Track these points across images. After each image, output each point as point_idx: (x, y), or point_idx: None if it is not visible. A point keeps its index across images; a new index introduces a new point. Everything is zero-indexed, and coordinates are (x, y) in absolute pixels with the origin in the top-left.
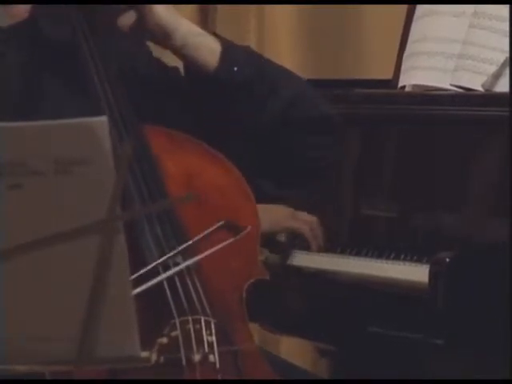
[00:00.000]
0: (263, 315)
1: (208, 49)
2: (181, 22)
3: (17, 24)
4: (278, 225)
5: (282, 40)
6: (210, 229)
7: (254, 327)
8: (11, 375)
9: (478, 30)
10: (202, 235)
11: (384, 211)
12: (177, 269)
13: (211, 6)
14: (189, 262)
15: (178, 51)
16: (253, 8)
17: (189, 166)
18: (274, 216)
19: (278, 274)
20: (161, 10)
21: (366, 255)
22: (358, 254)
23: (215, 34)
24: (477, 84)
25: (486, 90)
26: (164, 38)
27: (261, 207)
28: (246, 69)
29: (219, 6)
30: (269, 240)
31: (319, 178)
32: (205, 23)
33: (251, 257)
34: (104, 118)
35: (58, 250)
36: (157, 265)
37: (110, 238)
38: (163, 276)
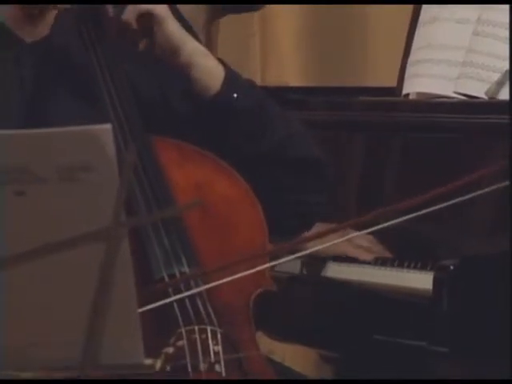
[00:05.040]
0: (267, 323)
1: (212, 72)
2: (188, 40)
3: (39, 40)
4: (334, 248)
5: (286, 46)
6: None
7: (259, 335)
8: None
9: (482, 38)
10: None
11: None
12: (188, 293)
13: None
14: (200, 289)
15: (183, 69)
16: (256, 16)
17: (197, 177)
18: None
19: (283, 282)
20: (171, 25)
21: (369, 263)
22: (362, 261)
23: (220, 60)
24: (480, 92)
25: (490, 98)
26: (171, 53)
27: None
28: (245, 98)
29: None
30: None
31: (307, 225)
32: (208, 32)
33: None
34: (108, 126)
35: (61, 257)
36: (164, 276)
37: (115, 245)
38: (173, 298)
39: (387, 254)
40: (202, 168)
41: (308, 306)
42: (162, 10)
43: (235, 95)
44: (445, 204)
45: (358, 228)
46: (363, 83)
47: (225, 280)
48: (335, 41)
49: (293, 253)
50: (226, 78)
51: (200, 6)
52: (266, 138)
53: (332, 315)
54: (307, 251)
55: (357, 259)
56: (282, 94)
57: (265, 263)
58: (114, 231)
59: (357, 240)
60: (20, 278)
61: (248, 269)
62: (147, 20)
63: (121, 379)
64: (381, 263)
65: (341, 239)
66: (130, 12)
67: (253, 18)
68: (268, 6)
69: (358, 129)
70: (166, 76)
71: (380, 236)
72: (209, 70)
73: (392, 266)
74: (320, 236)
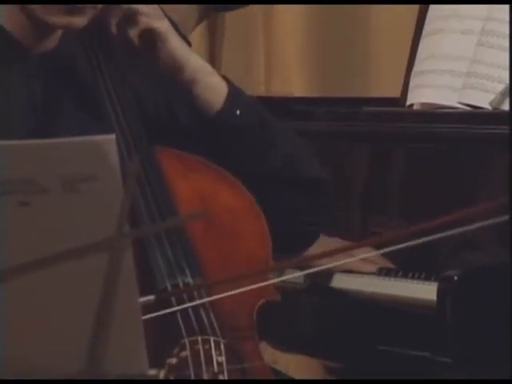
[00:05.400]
0: (272, 333)
1: (215, 89)
2: (191, 56)
3: (47, 52)
4: (339, 265)
5: (291, 58)
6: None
7: (263, 345)
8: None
9: (486, 48)
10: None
11: (392, 229)
12: (191, 304)
13: (219, 25)
14: (203, 301)
15: (187, 86)
16: (261, 27)
17: (201, 188)
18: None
19: (287, 293)
20: (175, 41)
21: (373, 273)
22: (366, 272)
23: (223, 76)
24: (485, 102)
25: (494, 108)
26: (175, 69)
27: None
28: (249, 115)
29: (227, 25)
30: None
31: (307, 243)
32: (212, 42)
33: (262, 280)
34: (112, 136)
35: (65, 268)
36: (167, 286)
37: (118, 256)
38: (176, 308)
39: (390, 265)
40: (206, 178)
41: (312, 316)
42: (165, 26)
43: (238, 112)
44: (445, 234)
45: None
46: (367, 94)
47: (228, 293)
48: (339, 51)
49: (297, 268)
50: (229, 94)
51: (193, 5)
52: (269, 155)
53: (336, 325)
54: (311, 270)
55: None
56: (286, 104)
57: (268, 276)
58: (118, 242)
59: (359, 253)
60: (23, 289)
61: (252, 281)
62: (150, 36)
63: (121, 379)
64: (385, 274)
65: (348, 260)
66: (133, 29)
67: (258, 30)
68: (273, 17)
69: (362, 139)
70: (171, 89)
71: (385, 246)
72: (212, 86)
73: (396, 276)
74: (326, 255)
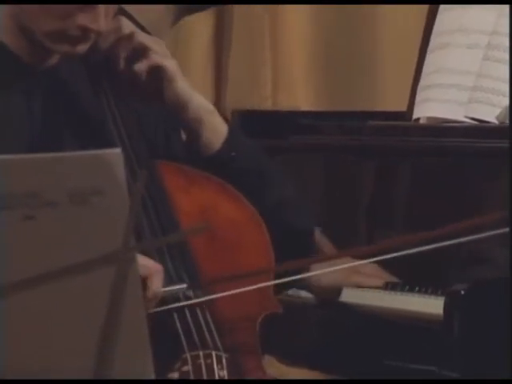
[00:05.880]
0: (278, 348)
1: (217, 129)
2: (195, 95)
3: (44, 70)
4: (343, 280)
5: (297, 73)
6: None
7: (269, 360)
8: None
9: (492, 63)
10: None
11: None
12: (185, 302)
13: (226, 39)
14: (200, 300)
15: (191, 124)
16: (268, 41)
17: (203, 201)
18: (338, 273)
19: (294, 307)
20: (181, 82)
21: (380, 288)
22: (372, 286)
23: (224, 117)
24: (491, 116)
25: (501, 123)
26: (179, 108)
27: None
28: (244, 158)
29: (234, 39)
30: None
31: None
32: (219, 57)
33: (264, 291)
34: (118, 150)
35: (72, 281)
36: (167, 299)
37: (124, 269)
38: (171, 306)
39: (396, 280)
40: (207, 191)
41: (319, 330)
42: (173, 65)
43: (233, 154)
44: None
45: (364, 257)
46: (373, 108)
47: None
48: (346, 65)
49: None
50: (228, 136)
51: (169, 6)
52: (259, 201)
53: (343, 340)
54: (311, 273)
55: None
56: (292, 118)
57: (270, 285)
58: (124, 255)
59: (365, 269)
60: (30, 303)
61: (253, 291)
62: (158, 73)
63: (121, 379)
64: (391, 288)
65: (346, 265)
66: (142, 64)
67: (264, 44)
68: (280, 32)
69: (368, 153)
70: (169, 122)
71: (391, 260)
72: (214, 127)
73: (402, 290)
74: (323, 260)
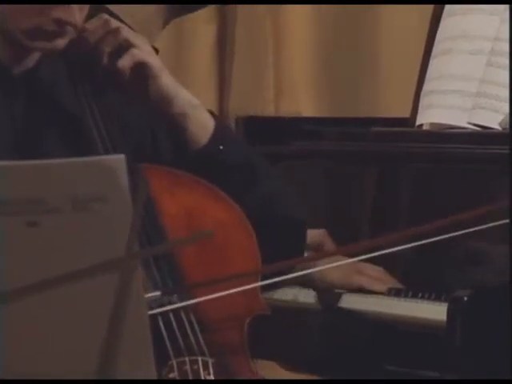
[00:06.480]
0: (280, 353)
1: (203, 125)
2: (181, 91)
3: (25, 71)
4: (345, 280)
5: (299, 77)
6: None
7: (272, 365)
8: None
9: (495, 69)
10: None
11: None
12: (171, 307)
13: (229, 42)
14: (184, 304)
15: (176, 119)
16: (271, 46)
17: (189, 203)
18: (342, 271)
19: (296, 313)
20: (165, 78)
21: (383, 293)
22: (375, 292)
23: (211, 112)
24: (494, 122)
25: (504, 129)
26: (164, 104)
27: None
28: (232, 152)
29: (237, 42)
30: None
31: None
32: (222, 62)
33: (252, 292)
34: (121, 156)
35: (75, 288)
36: (152, 305)
37: (128, 275)
38: (156, 311)
39: (399, 286)
40: (192, 193)
41: (322, 336)
42: (157, 62)
43: (221, 147)
44: (445, 236)
45: (357, 254)
46: (376, 114)
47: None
48: (348, 71)
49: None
50: (215, 130)
51: (160, 7)
52: (248, 195)
53: (345, 345)
54: (302, 272)
55: (370, 290)
56: (295, 124)
57: (257, 289)
58: (127, 261)
59: (369, 271)
60: (34, 309)
61: (239, 292)
62: (142, 70)
63: (121, 379)
64: (394, 294)
65: (350, 260)
66: (126, 60)
67: (268, 50)
68: (283, 37)
69: (371, 159)
70: (155, 119)
71: (394, 266)
72: (200, 121)
73: (406, 296)
74: (312, 259)
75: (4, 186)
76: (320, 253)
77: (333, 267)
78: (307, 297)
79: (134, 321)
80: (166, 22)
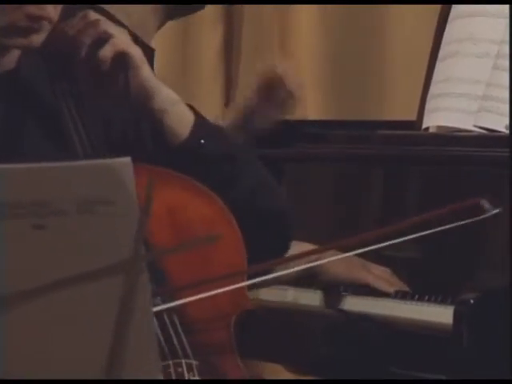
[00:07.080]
0: (286, 356)
1: (183, 119)
2: (161, 87)
3: (4, 73)
4: (351, 274)
5: (305, 81)
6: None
7: (277, 368)
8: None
9: (502, 72)
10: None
11: (408, 252)
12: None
13: (236, 43)
14: (167, 306)
15: (156, 114)
16: (277, 50)
17: (171, 200)
18: (347, 266)
19: (301, 316)
20: (146, 71)
21: (390, 296)
22: (381, 294)
23: (190, 106)
24: (500, 125)
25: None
26: (145, 98)
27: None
28: (214, 145)
29: (243, 44)
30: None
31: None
32: (229, 64)
33: (237, 289)
34: (128, 159)
35: (80, 290)
36: None
37: (134, 278)
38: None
39: (405, 288)
40: (173, 189)
41: (327, 338)
42: (139, 53)
43: (202, 141)
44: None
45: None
46: (382, 117)
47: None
48: (354, 74)
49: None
50: (195, 124)
51: (154, 10)
52: (233, 187)
53: (351, 348)
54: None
55: (377, 292)
56: (300, 127)
57: (242, 282)
58: (133, 264)
59: (376, 271)
60: (39, 312)
61: (226, 290)
62: (123, 61)
63: (121, 379)
64: (401, 296)
65: (354, 252)
66: (106, 51)
67: (273, 53)
68: (288, 40)
69: (377, 162)
70: (137, 114)
71: (400, 269)
72: (180, 116)
73: (412, 299)
74: (300, 256)
75: (10, 188)
76: (316, 249)
77: (338, 260)
78: (313, 300)
79: (139, 323)
80: (160, 24)
